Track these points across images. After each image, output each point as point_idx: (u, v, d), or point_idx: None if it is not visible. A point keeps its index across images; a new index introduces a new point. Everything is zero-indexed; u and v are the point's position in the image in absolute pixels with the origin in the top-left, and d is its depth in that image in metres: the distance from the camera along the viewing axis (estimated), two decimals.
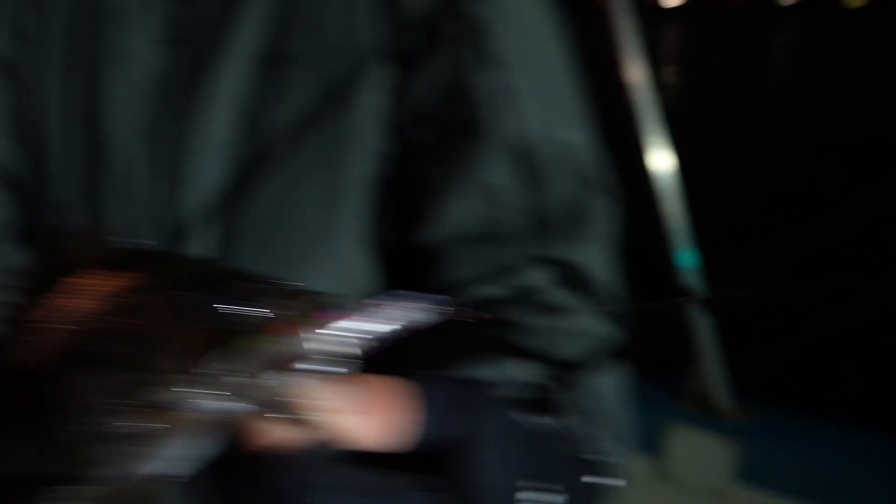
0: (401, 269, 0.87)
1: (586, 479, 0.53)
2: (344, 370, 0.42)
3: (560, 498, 0.47)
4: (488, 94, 0.80)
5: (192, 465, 0.43)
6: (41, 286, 0.47)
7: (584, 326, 0.78)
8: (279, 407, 0.41)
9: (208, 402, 0.41)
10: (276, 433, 0.41)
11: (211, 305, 0.42)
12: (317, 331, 0.41)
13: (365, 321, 0.42)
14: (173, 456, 0.42)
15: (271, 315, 0.42)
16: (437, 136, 0.82)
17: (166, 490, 0.43)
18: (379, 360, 0.44)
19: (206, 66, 0.81)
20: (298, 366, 0.41)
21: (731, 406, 2.09)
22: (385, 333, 0.42)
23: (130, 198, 0.82)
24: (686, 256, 2.00)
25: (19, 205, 0.82)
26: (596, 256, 0.84)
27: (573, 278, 0.82)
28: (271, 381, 0.41)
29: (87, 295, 0.46)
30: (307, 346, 0.41)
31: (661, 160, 1.91)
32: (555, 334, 0.76)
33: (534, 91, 0.83)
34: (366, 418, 0.42)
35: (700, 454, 2.06)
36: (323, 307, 0.42)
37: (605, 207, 0.85)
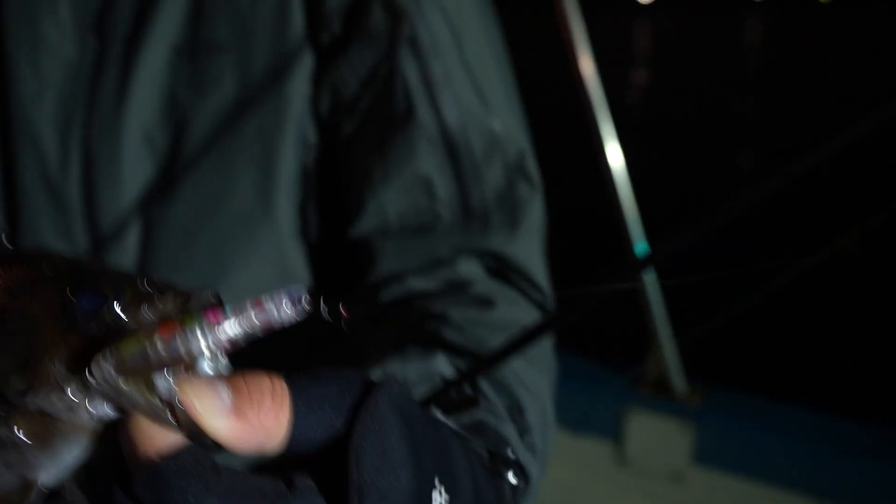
0: (333, 261, 0.85)
1: (491, 476, 0.50)
2: (224, 371, 0.41)
3: (454, 495, 0.43)
4: (417, 83, 0.78)
5: (71, 472, 0.42)
6: None
7: (512, 318, 0.76)
8: (161, 410, 0.39)
9: (88, 406, 0.40)
10: (158, 438, 0.39)
11: (90, 307, 0.40)
12: (197, 331, 0.39)
13: (245, 321, 0.39)
14: (53, 463, 0.41)
15: (150, 317, 0.40)
16: (367, 127, 0.80)
17: (45, 498, 0.42)
18: (260, 359, 0.43)
19: (126, 55, 0.77)
20: (179, 368, 0.39)
21: (686, 389, 2.12)
22: (264, 333, 0.40)
23: (46, 193, 0.79)
24: (642, 246, 2.04)
25: None
26: (527, 247, 0.83)
27: (504, 269, 0.81)
28: (153, 384, 0.39)
29: None
30: (187, 347, 0.39)
31: (615, 153, 1.96)
32: (481, 327, 0.73)
33: (464, 81, 0.81)
34: (247, 420, 0.39)
35: (657, 437, 2.09)
36: (204, 308, 0.40)
37: (536, 198, 0.84)
